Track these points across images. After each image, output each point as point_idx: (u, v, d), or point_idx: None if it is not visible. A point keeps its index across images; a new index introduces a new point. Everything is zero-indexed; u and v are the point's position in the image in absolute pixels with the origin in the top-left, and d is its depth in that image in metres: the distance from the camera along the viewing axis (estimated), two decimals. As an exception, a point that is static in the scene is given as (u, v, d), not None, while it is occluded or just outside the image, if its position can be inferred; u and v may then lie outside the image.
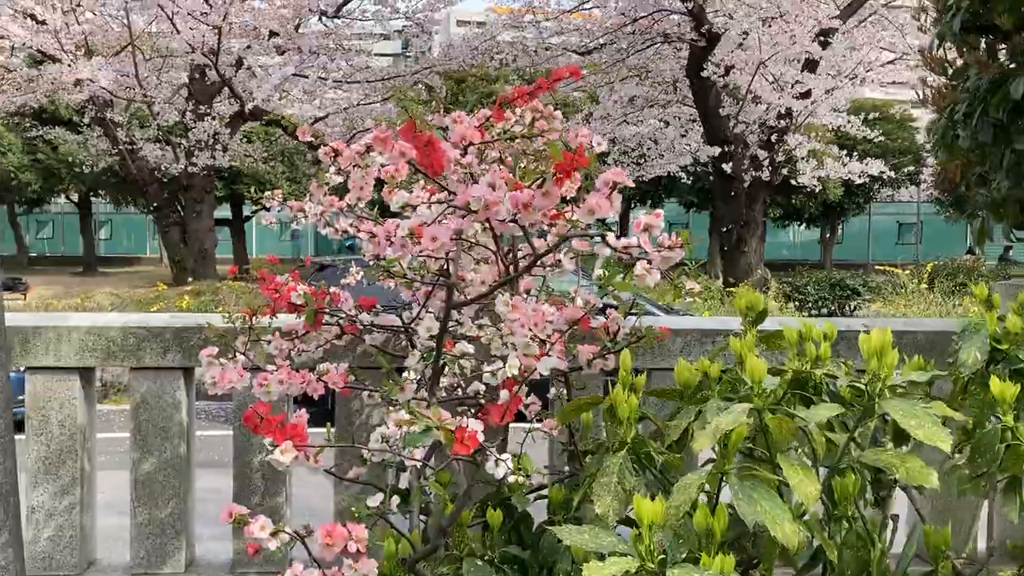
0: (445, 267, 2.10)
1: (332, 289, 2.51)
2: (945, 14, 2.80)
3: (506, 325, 1.67)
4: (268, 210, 3.14)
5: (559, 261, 1.84)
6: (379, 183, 2.48)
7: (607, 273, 1.57)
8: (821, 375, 1.93)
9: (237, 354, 2.08)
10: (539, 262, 1.78)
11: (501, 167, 2.16)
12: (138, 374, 2.70)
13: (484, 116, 2.25)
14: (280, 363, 1.98)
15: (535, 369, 1.57)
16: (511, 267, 2.02)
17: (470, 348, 1.91)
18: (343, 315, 2.12)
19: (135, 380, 2.71)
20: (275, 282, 2.63)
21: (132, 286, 16.86)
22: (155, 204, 15.12)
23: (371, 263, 1.89)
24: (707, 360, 1.98)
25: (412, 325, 2.05)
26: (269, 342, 2.33)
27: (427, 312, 1.97)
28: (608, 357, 2.05)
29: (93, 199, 27.57)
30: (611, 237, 1.61)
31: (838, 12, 12.04)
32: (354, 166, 2.49)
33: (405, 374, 1.93)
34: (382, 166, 2.53)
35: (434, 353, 1.83)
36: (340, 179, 2.96)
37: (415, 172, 1.95)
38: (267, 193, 3.12)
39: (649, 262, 1.65)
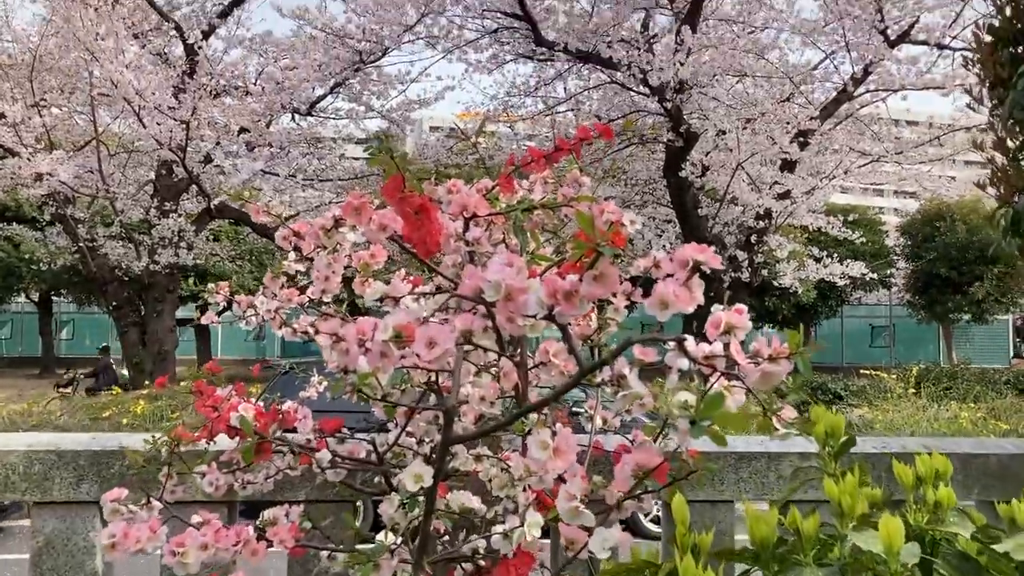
0: (435, 380, 1.59)
1: (287, 405, 1.99)
2: (1014, 84, 2.44)
3: (530, 466, 1.16)
4: (209, 307, 2.62)
5: (621, 376, 1.31)
6: (348, 281, 1.98)
7: (697, 398, 1.05)
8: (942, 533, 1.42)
9: (151, 499, 1.53)
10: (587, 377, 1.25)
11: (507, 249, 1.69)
12: (43, 510, 2.14)
13: (486, 186, 1.77)
14: (208, 516, 1.42)
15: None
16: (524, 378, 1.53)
17: (475, 502, 1.37)
18: (296, 445, 1.58)
19: (39, 517, 2.15)
20: (214, 397, 2.08)
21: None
22: (115, 303, 14.47)
23: (336, 375, 1.38)
24: (795, 510, 1.45)
25: (392, 461, 1.52)
26: (204, 475, 1.79)
27: (412, 443, 1.44)
28: (644, 498, 1.52)
29: (55, 298, 26.85)
30: (691, 343, 1.11)
31: (816, 113, 11.98)
32: (318, 248, 1.99)
33: (381, 536, 1.38)
34: (354, 249, 2.02)
35: (420, 504, 1.29)
36: (302, 267, 2.45)
37: (400, 252, 1.47)
38: (210, 286, 2.60)
39: (739, 378, 1.14)
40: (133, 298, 14.67)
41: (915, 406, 12.38)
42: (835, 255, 14.31)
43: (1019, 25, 2.57)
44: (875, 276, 15.47)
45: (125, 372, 15.80)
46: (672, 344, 1.12)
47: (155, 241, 13.42)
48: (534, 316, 1.10)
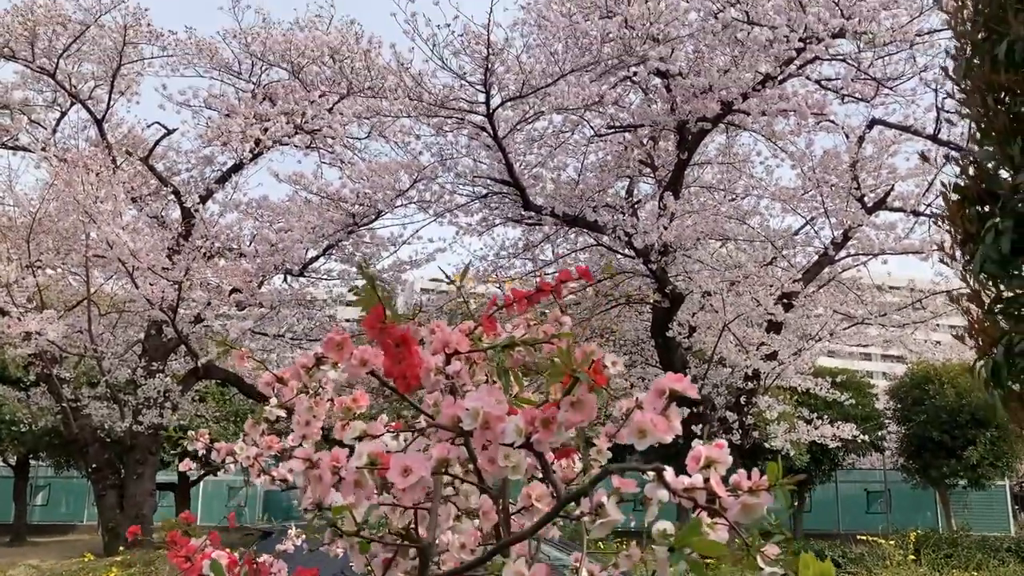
0: (413, 525, 1.55)
1: (262, 558, 1.93)
2: (982, 239, 2.52)
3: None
4: (188, 455, 2.59)
5: (599, 506, 1.27)
6: (329, 438, 1.97)
7: (676, 528, 1.02)
8: None
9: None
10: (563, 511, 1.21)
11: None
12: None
13: (469, 327, 1.79)
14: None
15: None
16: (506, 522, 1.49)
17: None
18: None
19: None
20: (188, 547, 2.02)
21: (62, 556, 15.46)
22: (94, 465, 14.15)
23: (311, 516, 1.34)
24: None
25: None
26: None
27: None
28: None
29: (32, 462, 26.22)
30: (669, 473, 1.10)
31: (799, 276, 12.22)
32: (300, 392, 1.98)
33: None
34: (336, 394, 2.02)
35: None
36: (283, 413, 2.44)
37: (381, 390, 1.46)
38: (190, 433, 2.57)
39: (720, 513, 1.12)
40: (113, 460, 14.37)
41: (916, 574, 12.01)
42: (825, 417, 14.24)
43: (983, 185, 2.68)
44: (867, 438, 15.34)
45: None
46: (651, 475, 1.10)
47: (140, 401, 13.29)
48: (511, 445, 1.08)
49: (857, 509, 29.58)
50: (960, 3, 2.86)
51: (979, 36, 2.75)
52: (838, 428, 13.56)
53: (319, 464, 1.13)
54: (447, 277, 1.95)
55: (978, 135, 2.71)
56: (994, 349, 2.59)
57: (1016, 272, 2.52)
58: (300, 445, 2.26)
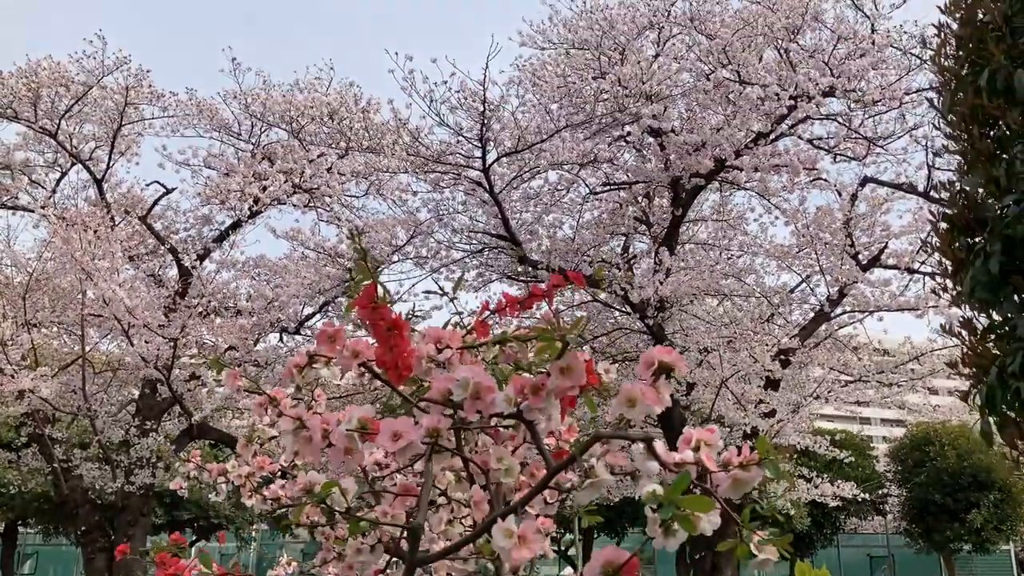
0: (401, 535, 1.54)
1: None
2: (972, 263, 2.54)
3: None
4: (179, 476, 2.58)
5: (589, 469, 1.25)
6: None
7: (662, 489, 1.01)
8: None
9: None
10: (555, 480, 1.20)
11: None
12: None
13: (461, 333, 1.79)
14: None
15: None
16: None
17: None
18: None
19: None
20: (177, 566, 1.99)
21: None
22: (84, 527, 13.91)
23: (293, 502, 1.30)
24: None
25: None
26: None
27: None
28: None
29: (21, 528, 25.79)
30: (659, 444, 1.09)
31: (796, 333, 12.23)
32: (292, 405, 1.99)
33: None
34: (329, 409, 2.03)
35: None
36: (275, 432, 2.43)
37: (375, 380, 1.45)
38: (182, 455, 2.56)
39: (710, 492, 1.11)
40: (103, 523, 14.14)
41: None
42: (824, 476, 14.11)
43: (971, 213, 2.72)
44: (867, 497, 15.19)
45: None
46: (641, 446, 1.09)
47: (132, 461, 13.13)
48: (502, 415, 1.07)
49: (860, 575, 29.11)
50: (943, 39, 2.94)
51: (962, 70, 2.82)
52: (838, 487, 13.42)
53: (310, 425, 1.12)
54: (440, 290, 1.96)
55: (965, 166, 2.76)
56: (987, 375, 2.59)
57: (1006, 296, 2.53)
58: (292, 465, 2.24)
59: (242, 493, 2.20)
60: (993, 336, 2.68)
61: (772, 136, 11.04)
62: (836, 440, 14.36)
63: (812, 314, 13.34)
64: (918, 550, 24.51)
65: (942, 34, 2.96)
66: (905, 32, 10.51)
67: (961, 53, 2.82)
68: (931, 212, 2.76)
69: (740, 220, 13.65)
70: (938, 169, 12.10)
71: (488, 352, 1.48)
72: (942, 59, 2.97)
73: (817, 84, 10.11)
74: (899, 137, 12.06)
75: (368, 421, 1.10)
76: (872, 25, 10.74)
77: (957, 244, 2.70)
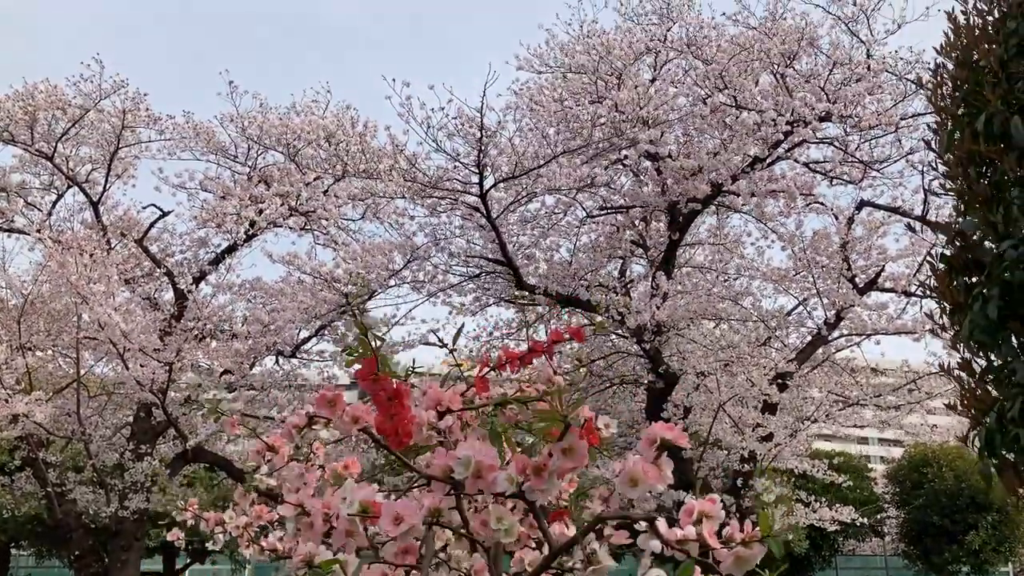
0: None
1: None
2: (970, 307, 2.54)
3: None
4: (175, 525, 2.56)
5: (592, 553, 1.24)
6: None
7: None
8: None
9: None
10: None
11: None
12: None
13: (461, 390, 1.78)
14: None
15: None
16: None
17: None
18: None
19: None
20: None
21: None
22: (77, 552, 13.80)
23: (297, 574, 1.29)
24: None
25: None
26: None
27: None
28: None
29: (13, 551, 25.59)
30: (662, 523, 1.08)
31: (793, 356, 12.22)
32: (291, 460, 1.97)
33: None
34: (327, 460, 2.01)
35: None
36: (274, 483, 2.40)
37: (374, 446, 1.44)
38: (178, 504, 2.54)
39: (713, 568, 1.10)
40: (97, 547, 14.03)
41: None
42: (823, 500, 14.05)
43: (968, 255, 2.72)
44: (866, 522, 15.14)
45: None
46: (644, 525, 1.08)
47: (126, 485, 13.05)
48: (503, 494, 1.06)
49: (859, 597, 28.98)
50: (939, 79, 2.95)
51: (959, 111, 2.83)
52: (836, 511, 13.36)
53: (311, 511, 1.11)
54: (440, 341, 1.95)
55: (962, 206, 2.76)
56: (986, 418, 2.58)
57: (1004, 340, 2.53)
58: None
59: (239, 543, 2.18)
60: (992, 377, 2.68)
61: (768, 160, 11.07)
62: (834, 464, 14.31)
63: (809, 337, 13.34)
64: (917, 572, 24.40)
65: (939, 75, 2.98)
66: (901, 58, 10.57)
67: (957, 94, 2.83)
68: (929, 255, 2.76)
69: (737, 244, 13.66)
70: (934, 194, 12.15)
71: (489, 414, 1.47)
72: (939, 99, 2.98)
73: (813, 109, 10.15)
74: (895, 161, 12.10)
75: (369, 504, 1.09)
76: (867, 50, 10.80)
77: (955, 284, 2.70)
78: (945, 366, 2.86)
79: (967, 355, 2.68)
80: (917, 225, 11.93)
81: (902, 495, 23.29)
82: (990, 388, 2.65)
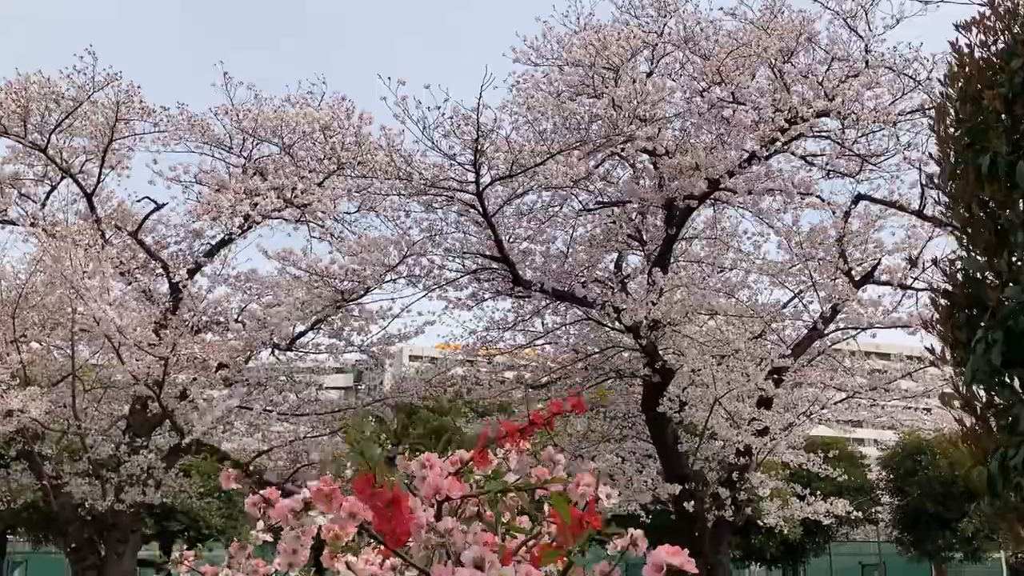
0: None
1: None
2: (973, 350, 2.52)
3: None
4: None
5: None
6: (317, 549, 1.92)
7: None
8: None
9: None
10: None
11: (481, 524, 1.64)
12: None
13: (461, 459, 1.76)
14: None
15: None
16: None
17: None
18: None
19: None
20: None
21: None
22: (73, 545, 13.80)
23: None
24: None
25: None
26: None
27: None
28: None
29: (10, 537, 25.65)
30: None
31: (788, 351, 12.21)
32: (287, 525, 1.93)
33: None
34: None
35: None
36: (269, 538, 2.39)
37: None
38: (175, 556, 2.53)
39: None
40: (93, 539, 14.03)
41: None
42: (818, 492, 14.08)
43: (969, 290, 2.69)
44: (859, 514, 15.22)
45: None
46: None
47: (122, 478, 13.03)
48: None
49: (852, 582, 29.20)
50: (942, 110, 2.91)
51: (963, 143, 2.80)
52: (831, 504, 13.40)
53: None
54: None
55: (964, 240, 2.74)
56: (989, 458, 2.57)
57: (1006, 382, 2.52)
58: (288, 572, 2.20)
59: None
60: (992, 412, 2.67)
61: (765, 155, 11.02)
62: (830, 457, 14.33)
63: (805, 331, 13.33)
64: (910, 558, 24.59)
65: (943, 105, 2.94)
66: (899, 54, 10.51)
67: (960, 130, 2.80)
68: (931, 290, 2.74)
69: (733, 237, 13.63)
70: (930, 187, 12.11)
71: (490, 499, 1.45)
72: (942, 130, 2.95)
73: (811, 107, 10.09)
74: (892, 155, 12.04)
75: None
76: (866, 46, 10.74)
77: (956, 320, 2.68)
78: (945, 399, 2.85)
79: (968, 394, 2.66)
80: (915, 222, 11.92)
81: (896, 483, 23.42)
82: (992, 425, 2.64)
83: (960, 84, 2.87)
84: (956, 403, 2.74)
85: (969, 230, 2.68)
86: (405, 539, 1.30)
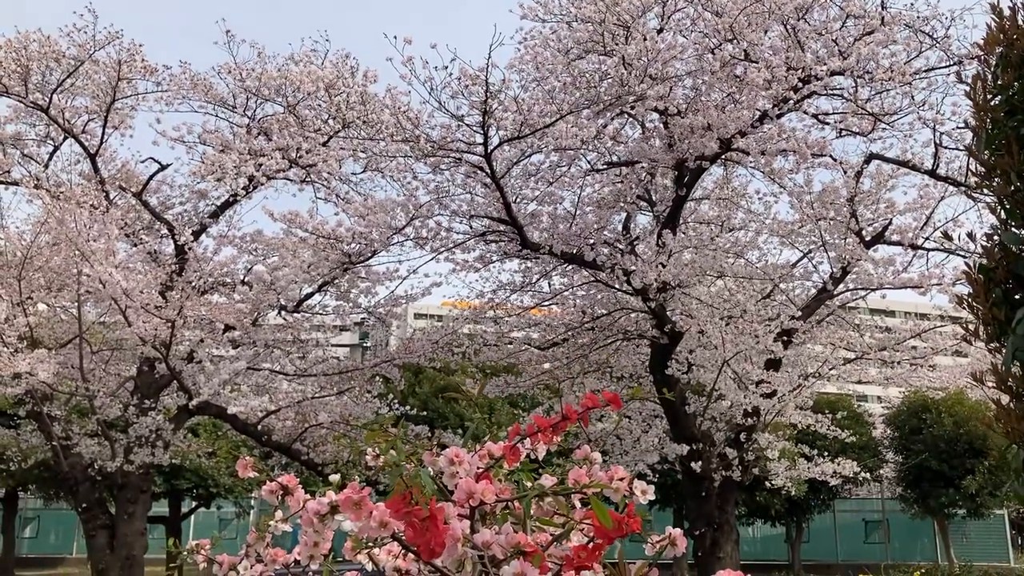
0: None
1: None
2: (1013, 329, 2.44)
3: None
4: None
5: None
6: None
7: None
8: None
9: None
10: None
11: (511, 519, 1.57)
12: None
13: (490, 453, 1.68)
14: None
15: None
16: None
17: None
18: None
19: None
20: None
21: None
22: (84, 504, 13.90)
23: None
24: None
25: None
26: None
27: None
28: None
29: (21, 494, 25.92)
30: None
31: (798, 313, 12.12)
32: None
33: None
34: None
35: None
36: (288, 527, 2.34)
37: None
38: (190, 544, 2.48)
39: None
40: (104, 499, 14.14)
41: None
42: (825, 452, 14.11)
43: (1005, 263, 2.60)
44: (866, 475, 15.29)
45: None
46: None
47: (131, 440, 13.08)
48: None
49: (855, 539, 29.42)
50: (980, 79, 2.79)
51: (1002, 111, 2.69)
52: (839, 464, 13.43)
53: None
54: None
55: (1003, 214, 2.64)
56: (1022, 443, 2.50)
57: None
58: (309, 563, 2.14)
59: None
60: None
61: (777, 114, 10.82)
62: (837, 418, 14.34)
63: (814, 291, 13.24)
64: (913, 515, 24.74)
65: (980, 72, 2.82)
66: (917, 12, 10.26)
67: (1000, 98, 2.68)
68: (967, 264, 2.65)
69: (743, 196, 13.48)
70: (945, 148, 11.93)
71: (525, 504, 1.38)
72: (978, 96, 2.83)
73: (825, 65, 9.89)
74: (906, 114, 11.81)
75: None
76: (883, 2, 10.48)
77: (994, 296, 2.60)
78: (977, 376, 2.77)
79: (1007, 379, 2.58)
80: (928, 181, 11.75)
81: (901, 440, 23.47)
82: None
83: (1000, 49, 2.75)
84: (990, 382, 2.66)
85: (1007, 204, 2.58)
86: (440, 551, 1.24)
